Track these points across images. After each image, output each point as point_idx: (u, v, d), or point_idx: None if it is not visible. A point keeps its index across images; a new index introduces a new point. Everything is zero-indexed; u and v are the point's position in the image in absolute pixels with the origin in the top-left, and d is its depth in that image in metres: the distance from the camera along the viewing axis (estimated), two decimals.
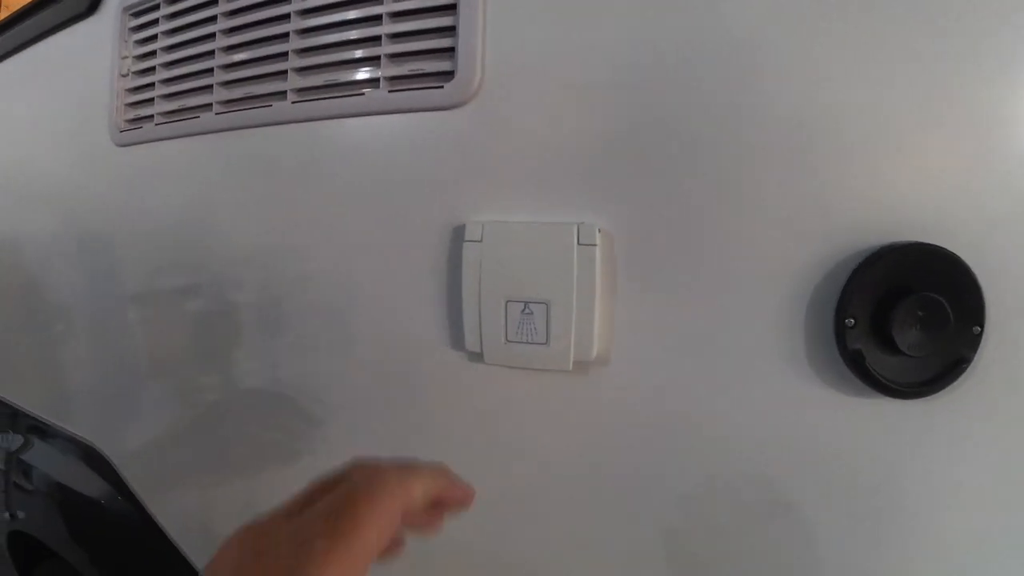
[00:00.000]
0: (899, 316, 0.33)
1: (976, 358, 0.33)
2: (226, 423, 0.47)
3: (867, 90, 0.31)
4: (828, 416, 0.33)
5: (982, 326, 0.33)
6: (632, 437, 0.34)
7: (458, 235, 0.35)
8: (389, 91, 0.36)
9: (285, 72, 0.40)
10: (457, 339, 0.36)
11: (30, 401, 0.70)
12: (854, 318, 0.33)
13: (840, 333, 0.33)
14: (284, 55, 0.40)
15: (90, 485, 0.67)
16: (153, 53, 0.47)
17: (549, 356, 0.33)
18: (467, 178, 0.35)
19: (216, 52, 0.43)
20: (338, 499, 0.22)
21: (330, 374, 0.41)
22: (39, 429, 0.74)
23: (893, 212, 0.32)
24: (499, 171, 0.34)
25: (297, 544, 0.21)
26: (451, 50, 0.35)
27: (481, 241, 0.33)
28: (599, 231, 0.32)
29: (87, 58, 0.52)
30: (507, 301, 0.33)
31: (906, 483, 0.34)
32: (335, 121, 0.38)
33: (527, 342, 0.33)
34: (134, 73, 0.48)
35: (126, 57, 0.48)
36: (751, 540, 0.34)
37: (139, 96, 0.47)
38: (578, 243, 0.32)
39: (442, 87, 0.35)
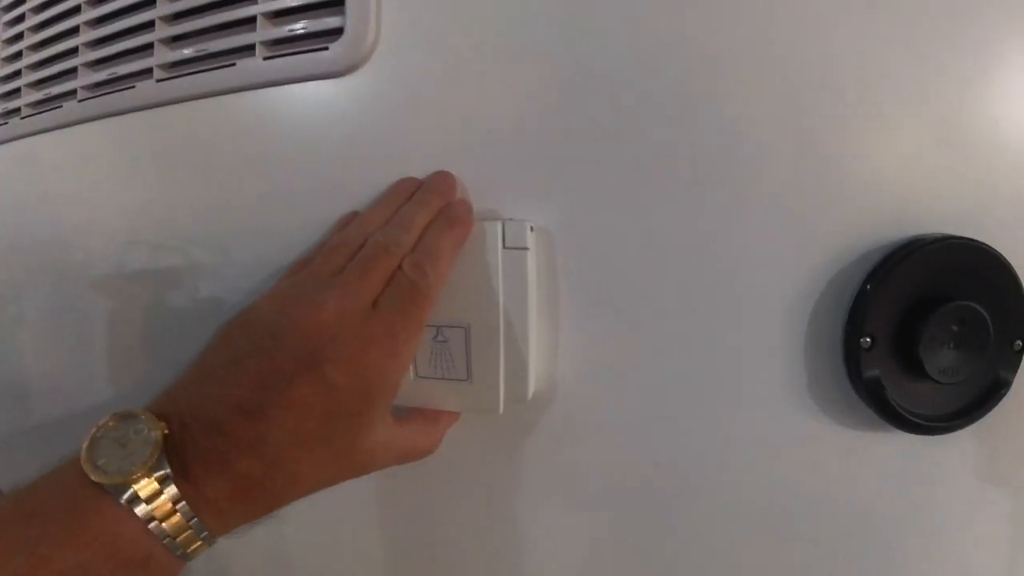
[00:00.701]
0: (930, 333, 0.25)
1: (1016, 380, 0.25)
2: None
3: (883, 55, 0.24)
4: (837, 457, 0.26)
5: None
6: (588, 489, 0.27)
7: None
8: (264, 58, 0.28)
9: (152, 45, 0.32)
10: None
11: None
12: (871, 337, 0.25)
13: (853, 357, 0.25)
14: (151, 24, 0.33)
15: None
16: (21, 35, 0.40)
17: (473, 395, 0.24)
18: (360, 164, 0.27)
19: (80, 27, 0.36)
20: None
21: None
22: None
23: (917, 204, 0.24)
24: (399, 154, 0.26)
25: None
26: (340, 2, 0.27)
27: None
28: (531, 229, 0.24)
29: None
30: None
31: (932, 531, 0.27)
32: (204, 102, 0.30)
33: (443, 378, 0.25)
34: (2, 60, 0.41)
35: None
36: None
37: (6, 87, 0.40)
38: (503, 246, 0.24)
39: (327, 48, 0.27)
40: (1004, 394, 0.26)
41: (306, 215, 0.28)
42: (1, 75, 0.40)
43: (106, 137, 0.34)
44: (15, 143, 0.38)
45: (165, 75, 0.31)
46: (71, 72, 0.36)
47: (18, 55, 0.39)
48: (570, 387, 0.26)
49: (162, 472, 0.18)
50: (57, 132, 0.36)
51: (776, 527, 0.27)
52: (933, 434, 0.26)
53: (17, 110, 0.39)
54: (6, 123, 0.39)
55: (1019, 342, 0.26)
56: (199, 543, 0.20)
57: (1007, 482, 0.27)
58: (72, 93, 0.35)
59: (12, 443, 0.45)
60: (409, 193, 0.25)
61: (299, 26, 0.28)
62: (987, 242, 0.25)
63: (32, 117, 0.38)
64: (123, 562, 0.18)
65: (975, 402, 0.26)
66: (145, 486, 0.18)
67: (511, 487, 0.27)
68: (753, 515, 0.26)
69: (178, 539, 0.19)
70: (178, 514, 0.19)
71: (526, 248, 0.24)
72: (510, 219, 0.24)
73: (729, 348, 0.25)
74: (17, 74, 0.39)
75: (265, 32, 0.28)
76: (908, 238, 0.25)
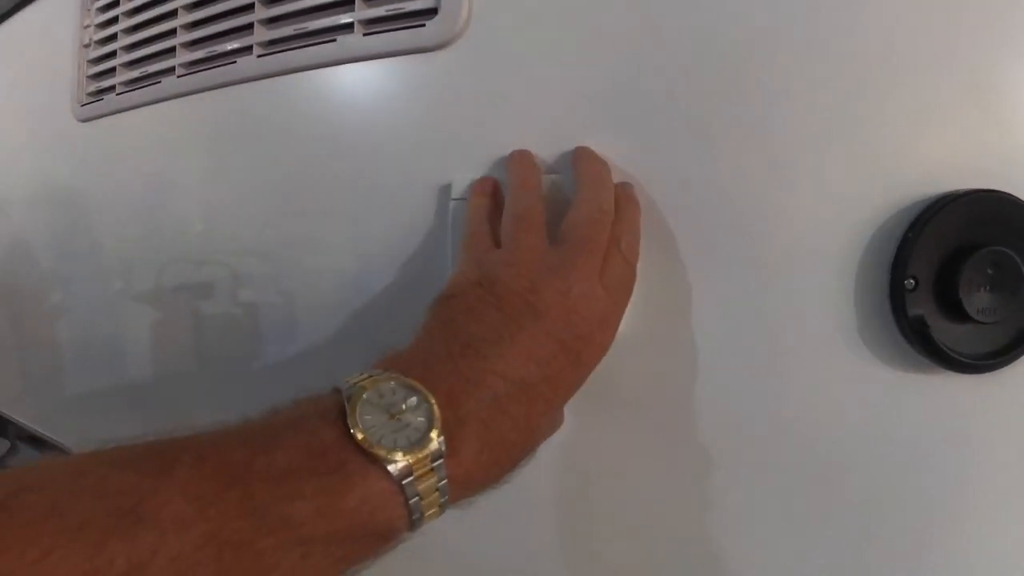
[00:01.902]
0: (967, 275, 0.27)
1: None
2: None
3: (929, 9, 0.27)
4: (888, 396, 0.28)
5: None
6: (652, 427, 0.30)
7: (445, 195, 0.30)
8: (364, 34, 0.32)
9: (252, 26, 0.36)
10: None
11: (16, 409, 0.67)
12: (915, 279, 0.28)
13: (899, 298, 0.28)
14: (251, 7, 0.36)
15: None
16: (116, 19, 0.43)
17: None
18: (455, 128, 0.30)
19: (179, 11, 0.39)
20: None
21: (312, 357, 0.36)
22: (29, 436, 0.72)
23: (953, 161, 0.27)
24: (489, 120, 0.29)
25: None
26: None
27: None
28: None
29: (50, 33, 0.49)
30: None
31: (979, 469, 0.29)
32: (306, 74, 0.33)
33: None
34: (96, 43, 0.44)
35: (88, 26, 0.44)
36: (800, 535, 0.29)
37: (101, 66, 0.43)
38: None
39: (424, 25, 0.30)
40: None
41: (402, 183, 0.31)
42: (95, 56, 0.44)
43: (204, 110, 0.37)
44: (113, 117, 0.42)
45: (263, 52, 0.35)
46: (168, 52, 0.39)
47: (112, 37, 0.43)
48: (639, 328, 0.28)
49: (440, 452, 0.18)
50: (157, 106, 0.39)
51: (829, 463, 0.29)
52: (974, 372, 0.28)
53: (112, 88, 0.42)
54: (101, 99, 0.43)
55: None
56: (433, 511, 0.19)
57: None
58: (170, 70, 0.39)
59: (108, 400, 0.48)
60: (533, 162, 0.27)
61: (395, 5, 0.31)
62: (1015, 194, 0.27)
63: (128, 93, 0.41)
64: (372, 533, 0.18)
65: (1012, 342, 0.29)
66: (422, 463, 0.18)
67: (591, 423, 0.30)
68: (807, 451, 0.29)
69: (424, 508, 0.18)
70: (433, 482, 0.18)
71: None
72: None
73: (785, 293, 0.28)
74: (112, 55, 0.43)
75: (362, 12, 0.32)
76: (943, 192, 0.27)
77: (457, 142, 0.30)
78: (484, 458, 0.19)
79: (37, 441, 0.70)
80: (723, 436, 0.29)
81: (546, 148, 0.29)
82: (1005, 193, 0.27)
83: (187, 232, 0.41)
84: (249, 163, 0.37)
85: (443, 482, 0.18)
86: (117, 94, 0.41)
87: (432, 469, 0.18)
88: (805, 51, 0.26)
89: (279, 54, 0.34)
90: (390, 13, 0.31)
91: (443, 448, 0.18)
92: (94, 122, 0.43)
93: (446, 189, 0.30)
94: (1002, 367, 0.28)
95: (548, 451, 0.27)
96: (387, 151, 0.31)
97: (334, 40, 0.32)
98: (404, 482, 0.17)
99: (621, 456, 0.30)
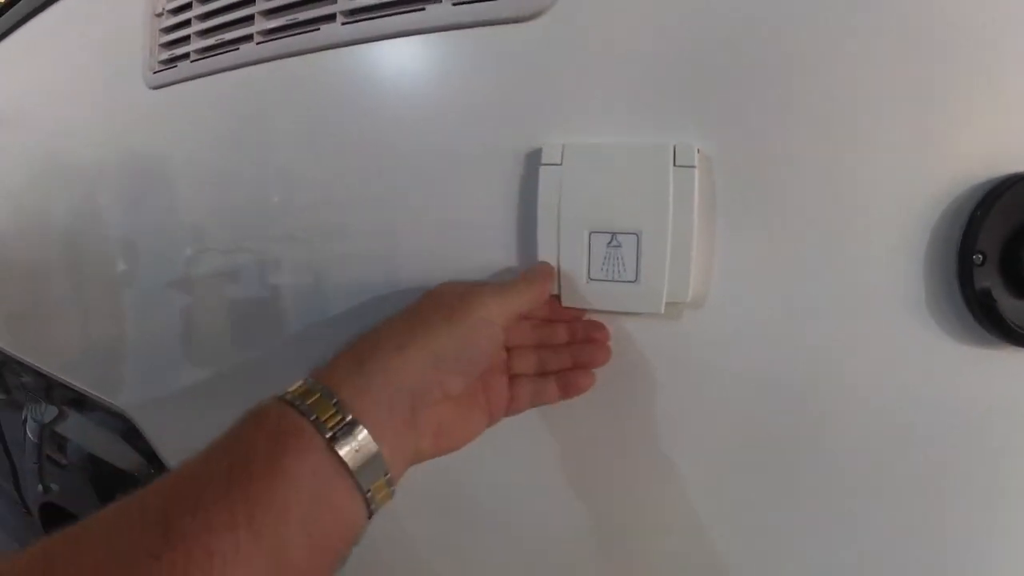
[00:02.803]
0: None
1: None
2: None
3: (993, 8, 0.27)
4: (954, 370, 0.29)
5: None
6: (729, 391, 0.30)
7: (533, 160, 0.31)
8: (454, 4, 0.32)
9: None
10: None
11: (66, 370, 0.68)
12: (983, 254, 0.29)
13: (967, 272, 0.29)
14: None
15: (125, 458, 0.65)
16: None
17: (638, 296, 0.29)
18: (543, 97, 0.31)
19: None
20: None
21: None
22: (75, 401, 0.73)
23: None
24: (579, 88, 0.30)
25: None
26: None
27: (561, 164, 0.29)
28: (698, 152, 0.28)
29: (122, 1, 0.49)
30: (591, 232, 0.29)
31: None
32: (390, 43, 0.34)
33: (613, 280, 0.29)
34: (168, 12, 0.45)
35: None
36: (863, 508, 0.30)
37: (174, 35, 0.44)
38: (675, 164, 0.28)
39: None
40: None
41: (489, 149, 0.32)
42: (168, 25, 0.44)
43: (284, 78, 0.38)
44: (185, 85, 0.43)
45: (348, 20, 0.36)
46: (246, 20, 0.40)
47: (187, 6, 0.43)
48: (719, 294, 0.30)
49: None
50: (230, 73, 0.40)
51: (893, 434, 0.30)
52: None
53: (186, 55, 0.43)
54: (175, 67, 0.44)
55: None
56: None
57: None
58: (248, 38, 0.39)
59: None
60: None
61: None
62: None
63: (202, 60, 0.42)
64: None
65: None
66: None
67: (664, 390, 0.31)
68: (873, 421, 0.30)
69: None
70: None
71: (693, 167, 0.28)
72: (680, 142, 0.28)
73: (858, 265, 0.29)
74: (187, 23, 0.43)
75: None
76: (1012, 172, 0.28)
77: (544, 111, 0.31)
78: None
79: (82, 405, 0.72)
80: (789, 406, 0.30)
81: (628, 118, 0.30)
82: None
83: (263, 203, 0.42)
84: (331, 132, 0.38)
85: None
86: (192, 61, 0.42)
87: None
88: (877, 27, 0.27)
89: (364, 22, 0.35)
90: None
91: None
92: (165, 89, 0.44)
93: (535, 155, 0.31)
94: None
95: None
96: (475, 120, 0.32)
97: (423, 9, 0.33)
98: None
99: (688, 416, 0.32)
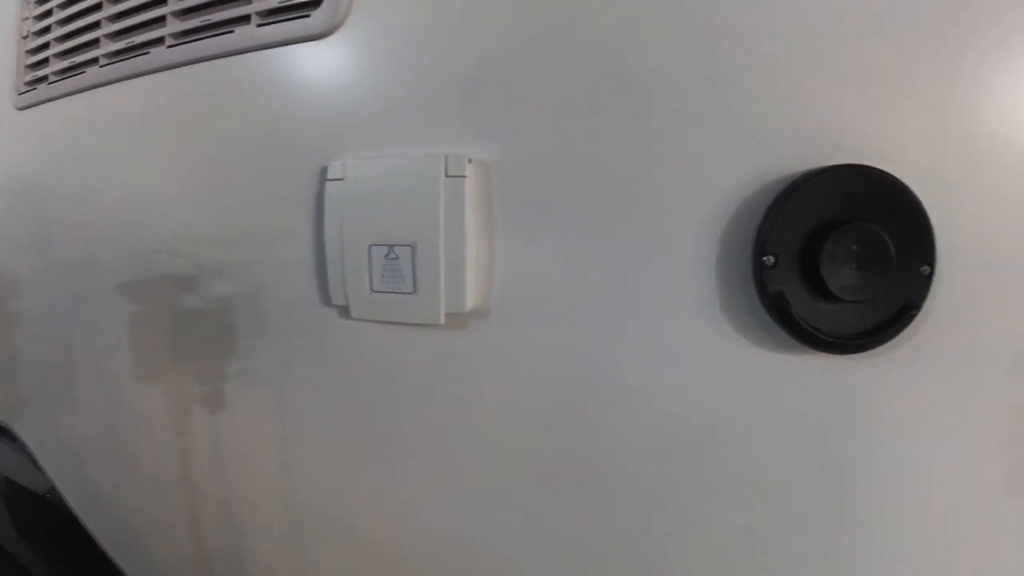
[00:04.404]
0: (829, 251, 0.27)
1: (927, 304, 0.27)
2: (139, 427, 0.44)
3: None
4: (752, 374, 0.29)
5: (932, 266, 0.28)
6: (517, 401, 0.30)
7: (323, 177, 0.31)
8: (258, 25, 0.33)
9: (165, 18, 0.37)
10: (327, 293, 0.32)
11: None
12: (775, 255, 0.28)
13: (759, 274, 0.28)
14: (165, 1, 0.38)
15: (37, 480, 0.65)
16: (50, 12, 0.45)
17: (418, 308, 0.29)
18: (338, 113, 0.31)
19: (103, 3, 0.41)
20: None
21: (211, 342, 0.37)
22: None
23: (826, 133, 0.27)
24: (369, 103, 0.30)
25: None
26: None
27: (343, 180, 0.29)
28: (469, 161, 0.28)
29: None
30: (371, 245, 0.29)
31: (848, 451, 0.29)
32: (210, 64, 0.35)
33: (393, 292, 0.29)
34: (33, 34, 0.46)
35: (27, 18, 0.46)
36: (660, 512, 0.29)
37: (37, 56, 0.45)
38: (445, 175, 0.28)
39: (309, 16, 0.31)
40: (913, 316, 0.28)
41: (292, 166, 0.32)
42: (31, 47, 0.46)
43: (126, 98, 0.39)
44: (47, 105, 0.44)
45: (175, 42, 0.36)
46: (95, 43, 0.41)
47: (48, 29, 0.45)
48: (504, 303, 0.29)
49: None
50: (84, 94, 0.41)
51: (691, 436, 0.29)
52: (840, 352, 0.28)
53: (45, 77, 0.44)
54: (35, 89, 0.45)
55: (926, 267, 0.28)
56: None
57: (922, 399, 0.29)
58: (95, 60, 0.40)
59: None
60: None
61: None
62: (895, 173, 0.26)
63: (59, 82, 0.43)
64: None
65: (884, 323, 0.28)
66: None
67: (455, 399, 0.31)
68: (673, 424, 0.29)
69: None
70: None
71: (463, 176, 0.28)
72: (451, 153, 0.28)
73: (649, 268, 0.29)
74: (46, 46, 0.44)
75: (259, 4, 0.33)
76: (805, 171, 0.27)
77: (338, 126, 0.31)
78: None
79: None
80: (593, 407, 0.30)
81: (414, 131, 0.30)
82: (873, 168, 0.27)
83: (114, 219, 0.42)
84: (165, 149, 0.38)
85: None
86: (49, 83, 0.43)
87: None
88: (659, 26, 0.27)
89: (186, 45, 0.35)
90: (282, 5, 0.32)
91: None
92: (30, 110, 0.45)
93: (324, 172, 0.31)
94: (872, 348, 0.28)
95: None
96: (275, 136, 0.33)
97: (232, 31, 0.33)
98: None
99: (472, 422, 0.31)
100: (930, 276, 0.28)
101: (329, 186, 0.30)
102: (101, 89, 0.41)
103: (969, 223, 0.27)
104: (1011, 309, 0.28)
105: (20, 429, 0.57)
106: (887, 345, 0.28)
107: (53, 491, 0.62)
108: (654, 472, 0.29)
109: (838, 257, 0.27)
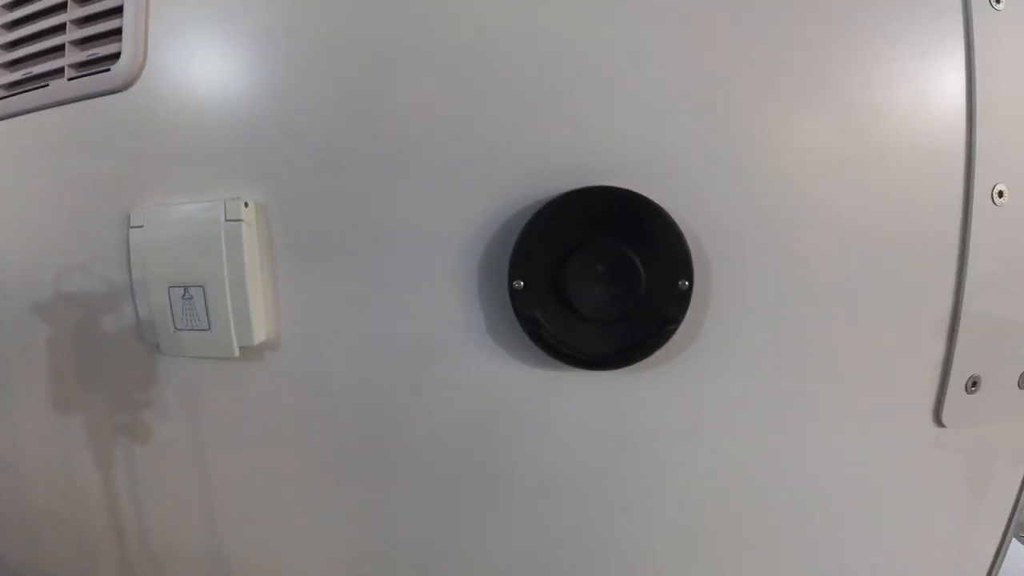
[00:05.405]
0: (572, 272, 0.29)
1: (687, 318, 0.29)
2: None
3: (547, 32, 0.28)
4: (518, 390, 0.31)
5: (690, 281, 0.29)
6: (311, 424, 0.33)
7: (125, 223, 0.33)
8: (69, 79, 0.35)
9: None
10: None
11: None
12: (524, 280, 0.30)
13: (513, 298, 0.30)
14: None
15: None
16: None
17: (214, 343, 0.31)
18: (136, 163, 0.33)
19: None
20: None
21: (39, 381, 0.39)
22: None
23: (573, 158, 0.29)
24: (163, 153, 0.33)
25: None
26: (119, 31, 0.34)
27: (143, 227, 0.32)
28: (245, 205, 0.30)
29: None
30: (169, 287, 0.31)
31: (611, 459, 0.31)
32: (33, 116, 0.37)
33: (192, 328, 0.31)
34: None
35: None
36: (439, 521, 0.33)
37: None
38: (225, 219, 0.30)
39: (108, 70, 0.33)
40: (672, 330, 0.29)
41: (100, 217, 0.34)
42: None
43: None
44: None
45: (6, 94, 0.38)
46: None
47: None
48: (295, 333, 0.32)
49: None
50: None
51: (465, 447, 0.32)
52: (601, 368, 0.30)
53: None
54: None
55: (684, 282, 0.29)
56: None
57: (689, 411, 0.31)
58: None
59: None
60: None
61: (92, 51, 0.34)
62: (645, 193, 0.28)
63: None
64: None
65: (644, 338, 0.30)
66: None
67: (252, 428, 0.33)
68: (454, 447, 0.32)
69: None
70: None
71: (240, 220, 0.30)
72: (230, 197, 0.31)
73: (418, 295, 0.31)
74: None
75: (71, 57, 0.35)
76: (550, 197, 0.28)
77: (139, 176, 0.33)
78: None
79: None
80: (374, 430, 0.32)
81: (205, 179, 0.32)
82: (617, 188, 0.28)
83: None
84: (17, 193, 0.40)
85: None
86: None
87: None
88: (428, 72, 0.29)
89: (14, 97, 0.37)
90: (88, 59, 0.34)
91: None
92: None
93: (126, 218, 0.33)
94: (632, 363, 0.30)
95: None
96: (86, 186, 0.35)
97: (47, 85, 0.35)
98: None
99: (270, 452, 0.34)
100: (689, 290, 0.29)
101: (132, 233, 0.32)
102: None
103: (730, 237, 0.29)
104: (771, 316, 0.30)
105: None
106: (651, 359, 0.29)
107: None
108: (435, 475, 0.32)
109: (584, 278, 0.29)
